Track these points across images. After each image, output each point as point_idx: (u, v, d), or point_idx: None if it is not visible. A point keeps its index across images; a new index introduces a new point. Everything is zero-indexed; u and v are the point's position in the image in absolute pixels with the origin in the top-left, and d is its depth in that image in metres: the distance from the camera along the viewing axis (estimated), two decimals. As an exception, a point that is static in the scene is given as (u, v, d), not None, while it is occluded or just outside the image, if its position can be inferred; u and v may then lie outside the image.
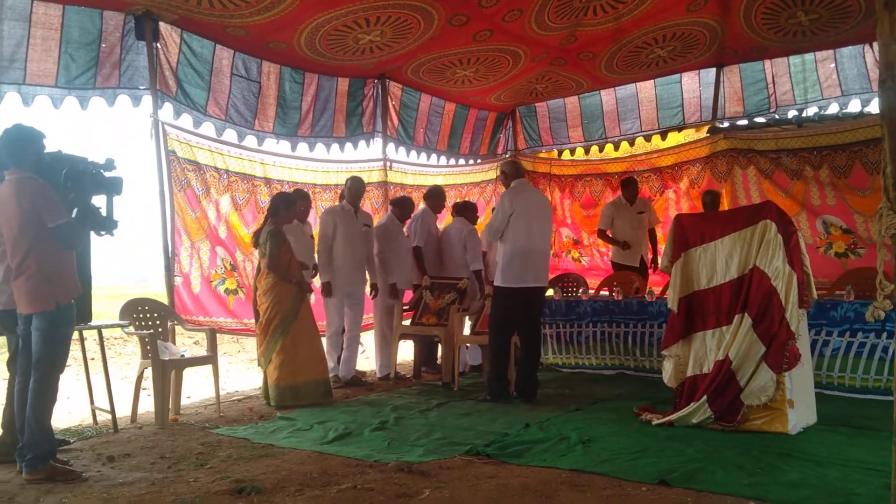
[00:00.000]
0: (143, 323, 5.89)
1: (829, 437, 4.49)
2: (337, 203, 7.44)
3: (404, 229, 7.79)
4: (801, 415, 4.70)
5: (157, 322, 5.99)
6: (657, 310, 6.84)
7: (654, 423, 4.98)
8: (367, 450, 4.57)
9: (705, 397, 4.81)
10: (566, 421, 5.19)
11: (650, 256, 8.82)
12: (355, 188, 7.26)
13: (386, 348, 7.49)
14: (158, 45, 6.47)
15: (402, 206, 7.69)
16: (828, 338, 5.85)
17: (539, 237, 6.11)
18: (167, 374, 5.56)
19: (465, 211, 8.03)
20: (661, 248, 7.40)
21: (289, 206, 6.30)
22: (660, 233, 8.94)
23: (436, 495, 3.62)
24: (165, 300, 6.45)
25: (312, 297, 6.96)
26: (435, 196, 8.11)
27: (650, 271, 8.68)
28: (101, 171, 4.41)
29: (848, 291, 6.02)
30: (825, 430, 4.68)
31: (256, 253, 6.42)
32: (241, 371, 8.75)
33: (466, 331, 7.20)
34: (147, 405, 5.93)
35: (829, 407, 5.19)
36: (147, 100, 6.42)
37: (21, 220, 4.06)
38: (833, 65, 8.24)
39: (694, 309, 5.10)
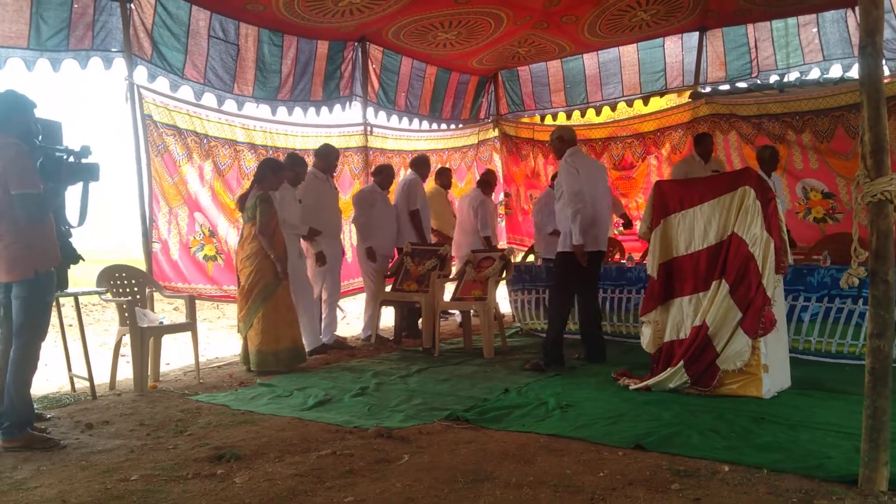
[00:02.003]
0: (120, 290, 5.85)
1: (802, 401, 4.54)
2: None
3: (389, 196, 7.77)
4: (775, 379, 4.75)
5: (136, 289, 5.95)
6: (636, 276, 6.87)
7: (631, 387, 5.02)
8: (347, 416, 4.59)
9: (682, 362, 4.85)
10: (545, 386, 5.22)
11: None
12: (330, 155, 7.19)
13: (371, 310, 7.52)
14: (132, 6, 6.34)
15: (383, 174, 7.66)
16: (806, 303, 5.89)
17: (601, 202, 6.11)
18: (146, 341, 5.54)
19: (486, 184, 8.82)
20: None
21: (276, 171, 6.28)
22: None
23: (415, 460, 3.64)
24: (144, 266, 6.41)
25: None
26: (424, 164, 8.16)
27: None
28: (78, 158, 4.32)
29: (825, 257, 6.06)
30: (798, 395, 4.73)
31: (241, 218, 6.37)
32: (222, 337, 8.73)
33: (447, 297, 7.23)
34: (126, 372, 5.92)
35: (803, 371, 5.26)
36: (119, 62, 6.31)
37: None
38: (815, 29, 8.21)
39: (672, 275, 5.12)
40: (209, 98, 7.13)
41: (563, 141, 6.17)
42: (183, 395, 5.37)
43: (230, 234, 7.11)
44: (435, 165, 9.13)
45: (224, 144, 7.28)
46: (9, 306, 4.12)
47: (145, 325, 5.57)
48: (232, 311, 10.32)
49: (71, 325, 6.41)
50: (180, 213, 6.82)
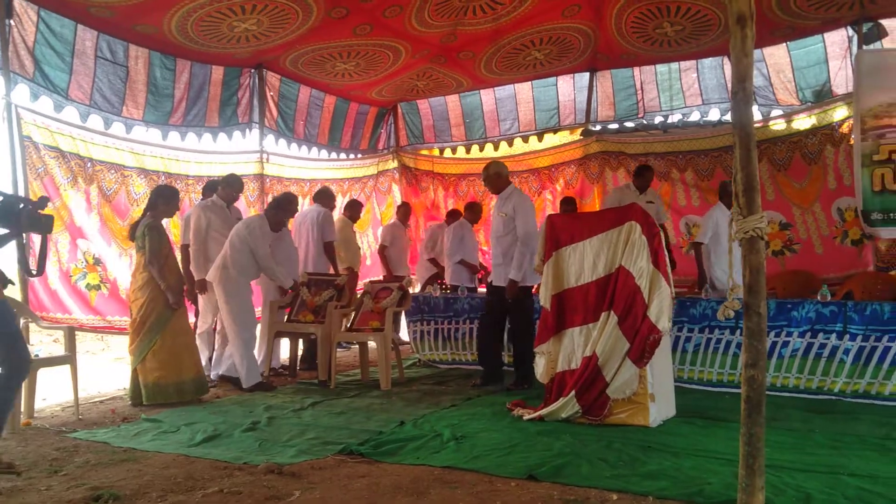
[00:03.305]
0: (-9, 321, 5.46)
1: (686, 429, 4.73)
2: (207, 199, 7.11)
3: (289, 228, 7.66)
4: (661, 408, 4.93)
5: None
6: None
7: (525, 418, 5.08)
8: (237, 451, 4.45)
9: (573, 392, 4.96)
10: (440, 418, 5.23)
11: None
12: (234, 184, 7.08)
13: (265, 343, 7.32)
14: (12, 21, 6.03)
15: (292, 205, 7.55)
16: (689, 334, 6.18)
17: None
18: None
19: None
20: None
21: (168, 200, 6.16)
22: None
23: (306, 497, 3.56)
24: (19, 296, 6.03)
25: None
26: (329, 196, 8.20)
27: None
28: (36, 208, 4.31)
29: (706, 289, 6.37)
30: (682, 423, 4.92)
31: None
32: (105, 371, 8.29)
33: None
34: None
35: (687, 400, 5.47)
36: (-2, 80, 5.98)
37: None
38: (695, 75, 8.72)
39: (564, 306, 5.25)
40: (95, 120, 6.85)
41: (501, 177, 6.44)
42: (59, 432, 5.06)
43: (121, 261, 6.82)
44: (371, 196, 9.57)
45: (110, 169, 6.99)
46: None
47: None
48: (116, 342, 9.85)
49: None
50: (60, 239, 6.48)
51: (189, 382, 5.98)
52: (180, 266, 6.48)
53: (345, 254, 8.58)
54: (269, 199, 8.37)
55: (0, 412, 4.08)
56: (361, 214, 9.25)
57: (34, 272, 4.61)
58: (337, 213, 8.89)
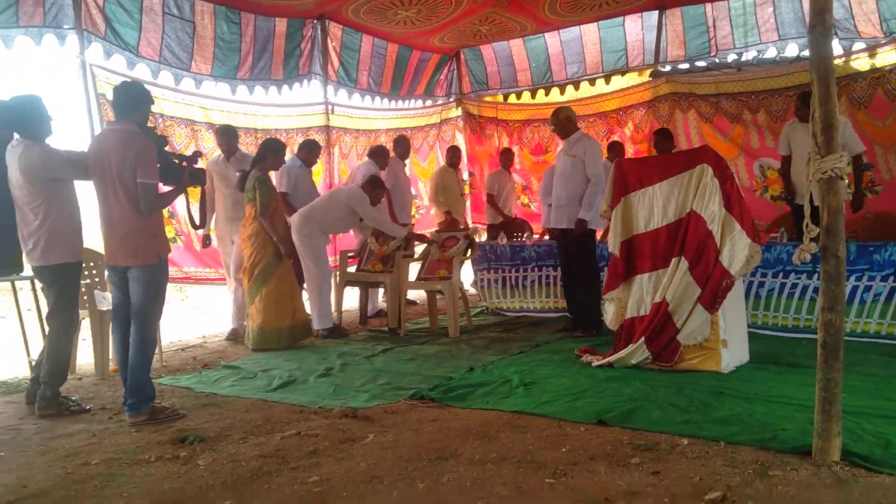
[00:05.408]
0: (78, 273, 5.73)
1: (760, 375, 4.65)
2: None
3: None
4: (733, 354, 4.85)
5: (94, 272, 5.85)
6: (599, 253, 6.92)
7: (593, 364, 5.08)
8: (312, 396, 4.60)
9: (643, 338, 4.92)
10: (509, 364, 5.27)
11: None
12: (228, 134, 6.93)
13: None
14: (82, -19, 6.16)
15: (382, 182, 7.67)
16: (763, 279, 6.03)
17: None
18: (105, 324, 5.46)
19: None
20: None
21: (276, 152, 6.35)
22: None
23: (379, 439, 3.67)
24: (102, 249, 6.28)
25: None
26: (380, 155, 8.18)
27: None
28: (190, 163, 4.62)
29: (781, 234, 6.19)
30: (756, 369, 4.84)
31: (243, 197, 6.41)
32: (185, 320, 8.63)
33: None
34: (86, 356, 5.83)
35: (761, 346, 5.36)
36: (73, 39, 6.13)
37: (125, 172, 4.14)
38: (771, 9, 8.29)
39: (633, 252, 5.18)
40: (166, 76, 6.99)
41: (572, 122, 6.45)
42: (145, 378, 5.30)
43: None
44: (435, 145, 9.93)
45: (181, 124, 7.17)
46: (126, 289, 4.31)
47: (105, 308, 5.49)
48: (195, 292, 10.24)
49: (29, 310, 6.28)
50: (138, 194, 6.69)
51: (286, 329, 6.21)
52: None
53: (444, 199, 8.86)
54: (335, 150, 8.51)
55: (152, 349, 4.44)
56: (423, 162, 9.31)
57: (198, 224, 4.91)
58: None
